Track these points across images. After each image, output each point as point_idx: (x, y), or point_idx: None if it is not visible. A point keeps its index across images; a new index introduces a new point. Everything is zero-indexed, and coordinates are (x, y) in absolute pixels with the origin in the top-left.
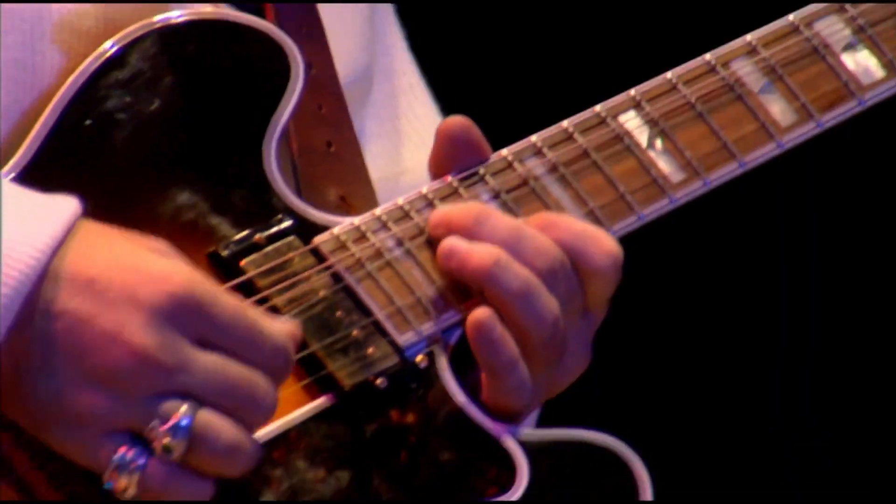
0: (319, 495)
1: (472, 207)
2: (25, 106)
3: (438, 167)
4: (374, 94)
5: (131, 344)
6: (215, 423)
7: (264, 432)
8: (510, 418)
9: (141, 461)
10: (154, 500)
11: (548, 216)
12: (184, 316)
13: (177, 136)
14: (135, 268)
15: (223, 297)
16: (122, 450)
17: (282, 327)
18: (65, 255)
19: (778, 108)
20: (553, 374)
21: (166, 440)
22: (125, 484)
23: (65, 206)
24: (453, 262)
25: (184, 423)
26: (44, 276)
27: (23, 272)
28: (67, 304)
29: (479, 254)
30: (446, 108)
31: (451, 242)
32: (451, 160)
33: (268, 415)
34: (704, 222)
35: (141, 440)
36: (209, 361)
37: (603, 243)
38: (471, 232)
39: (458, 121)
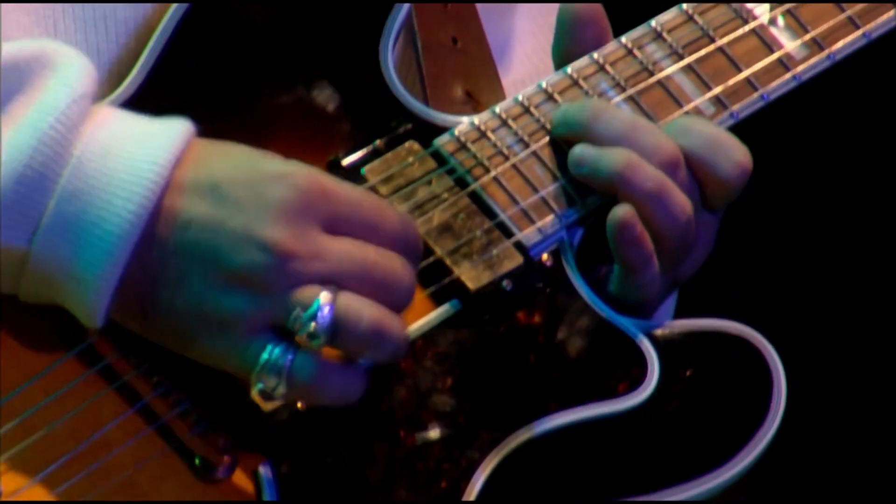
0: (448, 404)
1: (586, 104)
2: (144, 17)
3: (562, 49)
4: None
5: (264, 240)
6: (356, 304)
7: None
8: (637, 311)
9: (288, 356)
10: (307, 399)
11: (682, 121)
12: (311, 206)
13: (292, 45)
14: (255, 168)
15: (344, 185)
16: (268, 348)
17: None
18: (184, 169)
19: None
20: (681, 267)
21: (311, 327)
22: (275, 382)
23: (180, 124)
24: (584, 169)
25: (325, 307)
26: (167, 190)
27: (147, 188)
28: (194, 212)
29: (608, 159)
30: None
31: (579, 151)
32: (575, 43)
33: (409, 294)
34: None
35: (287, 337)
36: (342, 245)
37: (733, 154)
38: (587, 129)
39: (582, 2)
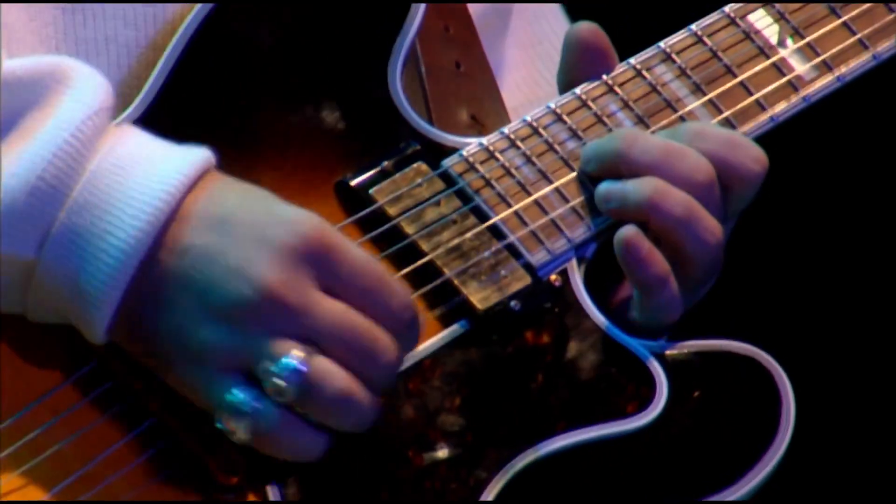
0: (456, 423)
1: (618, 133)
2: (149, 39)
3: (568, 77)
4: (514, 22)
5: (256, 279)
6: (329, 370)
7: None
8: (653, 332)
9: (254, 404)
10: (266, 449)
11: (692, 125)
12: (312, 259)
13: (301, 65)
14: (267, 210)
15: (353, 247)
16: (236, 391)
17: (407, 289)
18: (197, 198)
19: None
20: (703, 289)
21: (279, 382)
22: (235, 426)
23: (198, 153)
24: (612, 204)
25: (298, 366)
26: (174, 217)
27: (156, 206)
28: (195, 240)
29: (635, 189)
30: None
31: (606, 186)
32: (581, 69)
33: (388, 373)
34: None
35: (256, 383)
36: (333, 308)
37: (752, 151)
38: (623, 157)
39: (587, 27)
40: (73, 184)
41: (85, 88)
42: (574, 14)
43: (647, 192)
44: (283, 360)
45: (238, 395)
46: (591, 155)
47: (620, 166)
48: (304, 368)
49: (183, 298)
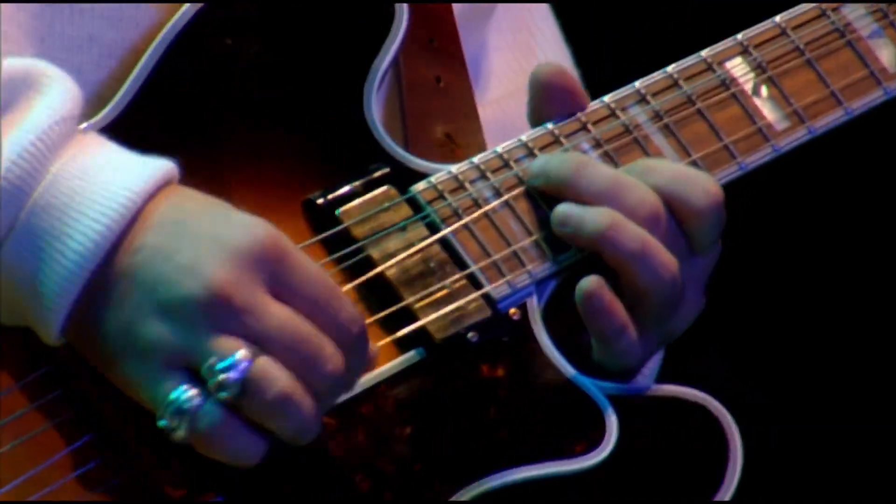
0: (405, 451)
1: (570, 158)
2: (131, 43)
3: (536, 117)
4: (498, 9)
5: (206, 277)
6: (272, 371)
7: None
8: (618, 374)
9: (195, 401)
10: (205, 450)
11: (644, 162)
12: (264, 263)
13: (275, 81)
14: (224, 215)
15: (305, 258)
16: (180, 388)
17: (355, 305)
18: (157, 204)
19: (887, 54)
20: (669, 324)
21: (221, 378)
22: (177, 423)
23: (162, 164)
24: (568, 228)
25: (241, 364)
26: (135, 221)
27: (117, 211)
28: (149, 240)
29: (592, 218)
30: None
31: (565, 209)
32: (548, 110)
33: (332, 383)
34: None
35: (199, 382)
36: (280, 312)
37: (701, 183)
38: (569, 183)
39: (551, 68)
40: (36, 184)
41: (54, 95)
42: (561, 13)
43: (603, 223)
44: (227, 357)
45: (180, 391)
46: (539, 171)
47: (567, 192)
48: (247, 366)
49: (132, 294)
